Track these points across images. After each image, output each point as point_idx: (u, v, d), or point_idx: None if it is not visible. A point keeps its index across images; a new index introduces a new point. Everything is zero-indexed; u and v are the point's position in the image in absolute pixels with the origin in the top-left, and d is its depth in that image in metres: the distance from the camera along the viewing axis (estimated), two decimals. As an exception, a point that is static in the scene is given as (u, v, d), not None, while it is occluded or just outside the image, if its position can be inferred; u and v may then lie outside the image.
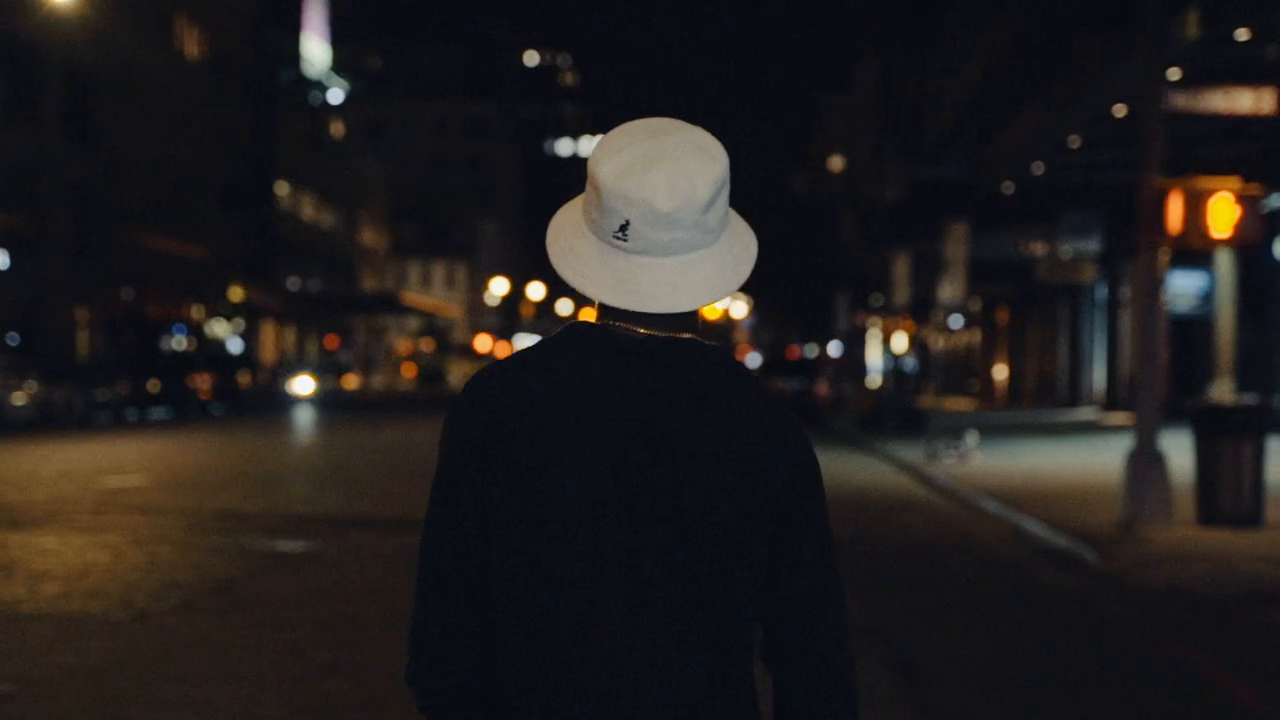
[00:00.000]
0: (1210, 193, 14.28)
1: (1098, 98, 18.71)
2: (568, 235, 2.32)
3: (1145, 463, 14.95)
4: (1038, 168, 25.29)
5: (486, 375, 2.31)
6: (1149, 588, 12.06)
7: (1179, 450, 16.33)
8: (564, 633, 2.21)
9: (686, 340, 2.28)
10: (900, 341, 49.28)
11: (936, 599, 11.61)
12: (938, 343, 41.17)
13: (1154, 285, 15.08)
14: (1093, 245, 30.85)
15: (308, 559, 12.88)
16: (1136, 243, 15.43)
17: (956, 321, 33.28)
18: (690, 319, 2.31)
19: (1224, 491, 14.50)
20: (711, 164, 2.24)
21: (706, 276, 2.26)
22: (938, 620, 10.63)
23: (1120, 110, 18.95)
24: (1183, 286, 29.70)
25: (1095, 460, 23.26)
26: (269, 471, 22.44)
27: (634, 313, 2.27)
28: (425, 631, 2.29)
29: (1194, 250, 26.45)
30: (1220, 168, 19.48)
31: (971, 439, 24.74)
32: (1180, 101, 16.40)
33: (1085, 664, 9.24)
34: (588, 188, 2.29)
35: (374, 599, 10.74)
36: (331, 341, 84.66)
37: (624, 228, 2.22)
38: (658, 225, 2.21)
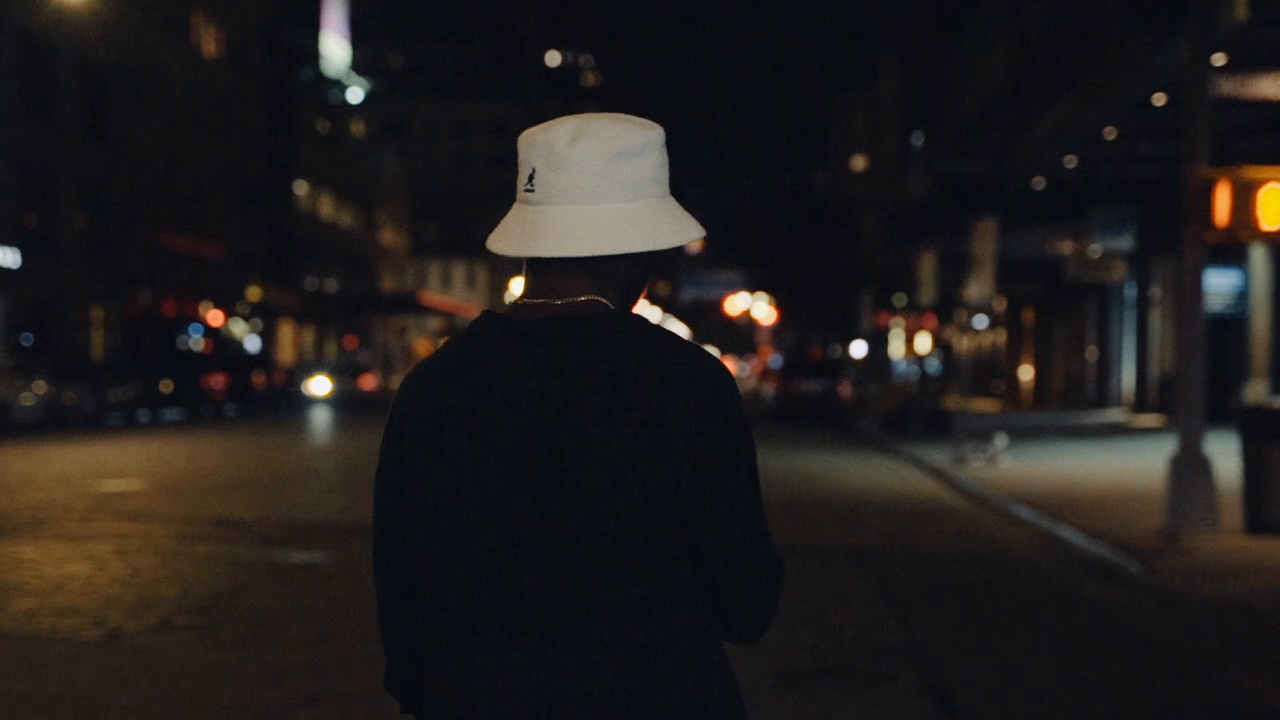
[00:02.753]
0: (1261, 183, 13.45)
1: (1137, 85, 17.89)
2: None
3: (1190, 469, 14.13)
4: (1070, 161, 24.47)
5: (406, 378, 2.30)
6: (1198, 602, 11.27)
7: (1217, 454, 15.50)
8: (467, 628, 2.18)
9: (589, 314, 2.19)
10: (924, 341, 48.48)
11: (973, 615, 10.84)
12: (961, 343, 40.38)
13: (1197, 282, 14.26)
14: (1125, 242, 30.00)
15: (302, 571, 12.15)
16: (1170, 239, 14.66)
17: (981, 322, 32.51)
18: (606, 279, 2.22)
19: (1273, 499, 13.70)
20: (630, 126, 2.21)
21: (609, 225, 2.18)
22: (975, 639, 9.86)
23: (1160, 99, 18.13)
24: (1216, 284, 28.80)
25: (1128, 464, 22.52)
26: (274, 475, 21.70)
27: (549, 279, 2.22)
28: (383, 636, 2.36)
29: (1228, 247, 25.65)
30: (1261, 161, 18.68)
31: (1000, 441, 23.95)
32: (1227, 88, 15.61)
33: (1135, 688, 8.48)
34: None
35: (367, 616, 9.97)
36: (350, 342, 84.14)
37: (531, 177, 2.21)
38: (557, 166, 2.18)
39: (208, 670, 8.31)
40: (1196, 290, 14.26)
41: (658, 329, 2.21)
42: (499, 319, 2.23)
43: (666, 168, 2.25)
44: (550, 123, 2.24)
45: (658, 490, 2.14)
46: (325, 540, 13.94)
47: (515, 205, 2.26)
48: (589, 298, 2.22)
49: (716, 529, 2.20)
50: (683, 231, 2.24)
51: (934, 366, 55.18)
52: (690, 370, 2.17)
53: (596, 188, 2.18)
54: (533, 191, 2.21)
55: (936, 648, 9.48)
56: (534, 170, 2.21)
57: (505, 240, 2.24)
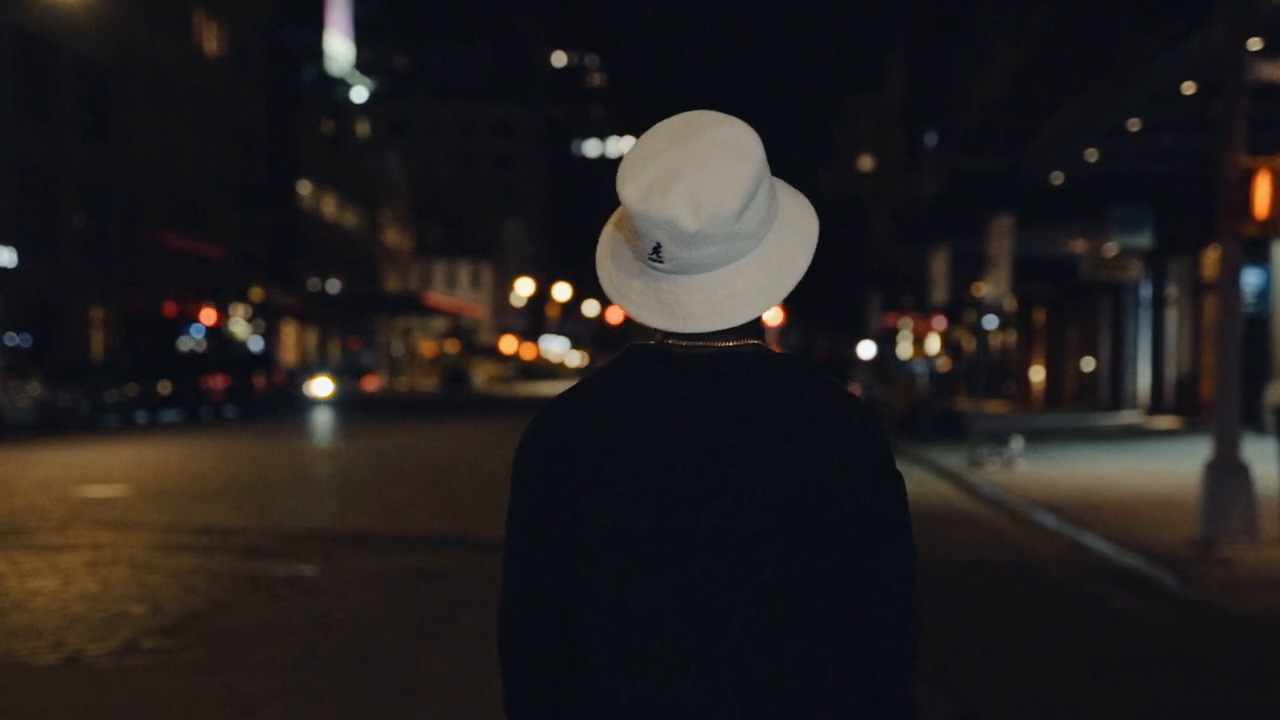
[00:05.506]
0: (1304, 172, 12.73)
1: (1166, 73, 17.16)
2: (611, 256, 2.27)
3: (1226, 475, 13.37)
4: (1091, 155, 23.74)
5: (551, 407, 2.27)
6: (1240, 616, 10.55)
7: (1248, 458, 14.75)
8: (634, 649, 2.17)
9: (751, 351, 2.21)
10: (933, 342, 47.78)
11: (999, 631, 10.12)
12: (971, 343, 39.75)
13: (1235, 279, 13.53)
14: (1144, 240, 29.26)
15: (286, 584, 11.41)
16: (1188, 237, 13.91)
17: (991, 322, 31.81)
18: (752, 324, 2.23)
19: (1315, 507, 12.96)
20: (740, 164, 2.13)
21: (752, 286, 2.18)
22: (1004, 658, 9.14)
23: (1189, 88, 17.39)
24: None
25: (1150, 467, 21.80)
26: (267, 479, 20.96)
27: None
28: (519, 664, 2.25)
29: (1249, 244, 24.92)
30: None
31: (1016, 444, 23.20)
32: (1264, 73, 14.90)
33: (1177, 708, 7.77)
34: (622, 207, 2.22)
35: (352, 634, 9.29)
36: (354, 342, 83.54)
37: (656, 250, 2.16)
38: (687, 244, 2.14)
39: (170, 700, 7.59)
40: (1234, 287, 13.53)
41: (815, 370, 2.25)
42: (658, 353, 2.21)
43: (769, 172, 2.19)
44: (655, 184, 2.12)
45: (820, 530, 2.16)
46: (313, 551, 13.21)
47: (634, 262, 2.20)
48: (745, 341, 2.22)
49: (869, 581, 2.20)
50: (805, 250, 2.24)
51: (941, 367, 54.48)
52: (853, 418, 2.20)
53: (730, 249, 2.16)
54: (661, 263, 2.16)
55: (961, 668, 8.76)
56: (659, 244, 2.14)
57: (647, 311, 2.19)
